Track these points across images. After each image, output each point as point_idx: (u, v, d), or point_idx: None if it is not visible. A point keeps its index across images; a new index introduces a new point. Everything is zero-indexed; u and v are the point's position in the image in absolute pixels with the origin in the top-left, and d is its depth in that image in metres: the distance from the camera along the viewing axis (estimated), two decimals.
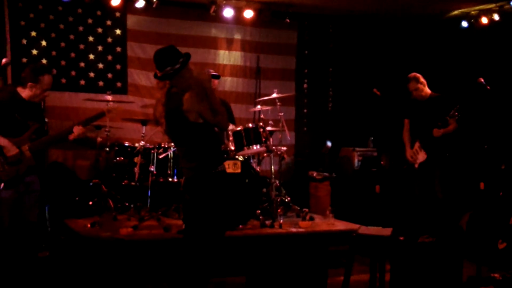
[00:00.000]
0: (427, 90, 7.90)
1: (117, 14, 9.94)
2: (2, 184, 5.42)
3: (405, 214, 8.08)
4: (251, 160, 8.35)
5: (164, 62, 4.72)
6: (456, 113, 7.33)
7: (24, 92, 5.63)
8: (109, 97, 8.26)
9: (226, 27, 10.74)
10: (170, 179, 8.18)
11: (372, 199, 8.90)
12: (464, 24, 10.37)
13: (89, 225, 7.22)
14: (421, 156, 7.82)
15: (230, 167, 6.99)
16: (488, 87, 7.43)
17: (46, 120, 6.43)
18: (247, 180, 7.48)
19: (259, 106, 9.05)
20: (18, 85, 5.68)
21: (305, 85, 11.43)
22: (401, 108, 8.31)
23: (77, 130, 5.82)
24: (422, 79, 7.87)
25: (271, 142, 8.23)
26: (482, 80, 7.52)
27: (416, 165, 7.86)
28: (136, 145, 8.29)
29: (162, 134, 5.35)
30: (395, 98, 8.53)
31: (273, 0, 10.00)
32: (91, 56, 9.79)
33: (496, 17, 9.83)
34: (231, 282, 6.32)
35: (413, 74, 7.92)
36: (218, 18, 10.29)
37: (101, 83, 9.80)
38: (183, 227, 7.03)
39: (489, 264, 6.25)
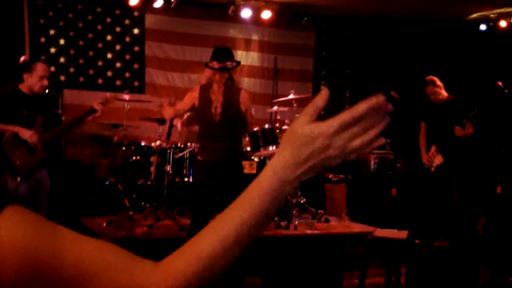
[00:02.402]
0: (444, 93, 7.86)
1: (136, 13, 9.98)
2: (19, 178, 5.46)
3: (421, 217, 8.05)
4: (267, 161, 8.35)
5: (225, 56, 5.62)
6: (474, 119, 7.30)
7: (24, 86, 5.68)
8: (127, 96, 8.29)
9: (244, 28, 10.75)
10: (186, 179, 8.20)
11: (388, 202, 8.87)
12: (483, 27, 10.34)
13: (105, 224, 7.25)
14: (438, 160, 7.78)
15: (246, 167, 7.00)
16: (506, 91, 7.39)
17: (59, 112, 6.44)
18: None
19: (276, 107, 9.05)
20: (19, 82, 5.74)
21: (322, 87, 11.40)
22: (418, 111, 8.28)
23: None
24: (438, 82, 7.84)
25: None
26: (501, 83, 7.47)
27: (433, 169, 7.83)
28: (153, 144, 8.32)
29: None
30: (413, 101, 8.50)
31: (291, 1, 10.01)
32: (109, 55, 9.85)
33: None
34: (246, 282, 6.33)
35: (430, 77, 7.89)
36: (236, 19, 10.31)
37: (118, 82, 9.85)
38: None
39: (506, 270, 6.21)
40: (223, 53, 5.69)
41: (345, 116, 1.12)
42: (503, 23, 9.97)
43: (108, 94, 6.83)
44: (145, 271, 1.10)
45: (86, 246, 1.06)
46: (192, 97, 5.75)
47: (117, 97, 7.38)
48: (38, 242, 1.00)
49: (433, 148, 7.83)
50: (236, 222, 1.11)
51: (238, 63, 5.85)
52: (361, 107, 1.13)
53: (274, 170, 1.13)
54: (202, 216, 5.62)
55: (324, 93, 1.16)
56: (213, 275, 1.11)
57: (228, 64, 5.60)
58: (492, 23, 10.19)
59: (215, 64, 5.60)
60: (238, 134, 5.92)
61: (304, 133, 1.11)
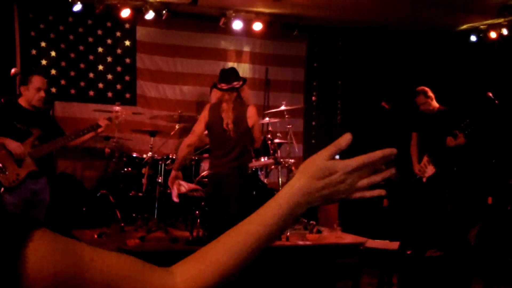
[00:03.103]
0: (435, 104, 7.91)
1: (127, 25, 9.98)
2: (2, 189, 5.44)
3: (413, 228, 8.06)
4: (259, 172, 8.35)
5: (232, 77, 6.18)
6: (466, 129, 7.33)
7: (23, 100, 5.69)
8: (118, 108, 8.28)
9: (236, 39, 10.76)
10: None
11: (380, 213, 8.87)
12: (473, 38, 10.38)
13: (96, 236, 7.23)
14: (430, 170, 7.80)
15: None
16: (497, 101, 7.42)
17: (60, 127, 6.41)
18: (254, 192, 7.49)
19: (267, 118, 9.06)
20: (18, 96, 5.76)
21: (314, 98, 11.43)
22: (409, 121, 8.31)
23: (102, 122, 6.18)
24: (430, 93, 7.88)
25: (279, 154, 8.24)
26: (491, 94, 7.51)
27: (424, 179, 7.85)
28: (144, 156, 8.31)
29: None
30: (404, 111, 8.52)
31: (282, 13, 10.02)
32: (100, 67, 9.84)
33: (504, 31, 9.83)
34: None
35: (421, 88, 7.94)
36: (227, 30, 10.31)
37: (110, 94, 9.84)
38: (191, 238, 7.09)
39: (498, 280, 6.22)
40: (230, 74, 6.27)
41: (362, 159, 1.30)
42: (493, 34, 10.01)
43: (117, 108, 6.79)
44: (162, 279, 1.20)
45: (107, 261, 1.14)
46: (203, 120, 6.32)
47: (126, 114, 7.27)
48: (66, 266, 1.06)
49: (425, 159, 7.85)
50: (252, 235, 1.26)
51: (245, 80, 6.35)
52: (377, 155, 1.31)
53: (292, 192, 1.28)
54: (215, 227, 6.28)
55: (347, 137, 1.33)
56: (224, 283, 1.23)
57: (235, 84, 6.16)
58: (482, 34, 10.23)
59: (224, 86, 6.20)
60: (247, 149, 6.39)
61: (324, 166, 1.28)
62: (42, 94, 5.78)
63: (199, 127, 6.39)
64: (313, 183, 1.28)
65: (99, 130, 6.19)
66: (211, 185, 6.43)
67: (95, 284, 1.09)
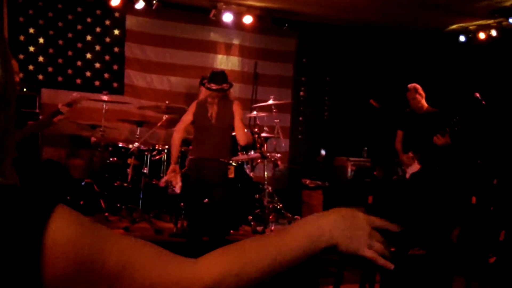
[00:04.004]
0: (424, 103, 7.93)
1: (117, 14, 9.94)
2: None
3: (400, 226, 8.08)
4: (245, 166, 8.36)
5: (223, 80, 6.50)
6: (455, 126, 7.36)
7: None
8: (105, 97, 8.25)
9: (225, 32, 10.74)
10: None
11: (365, 210, 8.90)
12: (462, 38, 10.42)
13: None
14: (414, 167, 7.84)
15: None
16: (484, 102, 7.46)
17: (36, 111, 6.44)
18: (239, 185, 7.49)
19: (255, 112, 9.06)
20: None
21: (302, 93, 11.44)
22: (395, 119, 8.34)
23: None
24: (421, 91, 7.91)
25: (265, 149, 8.24)
26: (478, 95, 7.54)
27: (408, 175, 7.87)
28: (130, 146, 8.28)
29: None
30: (391, 109, 8.55)
31: (273, 7, 10.02)
32: (89, 55, 9.79)
33: (493, 33, 9.88)
34: None
35: (413, 84, 7.98)
36: (217, 23, 10.29)
37: (97, 83, 9.79)
38: (175, 230, 7.09)
39: (479, 279, 6.26)
40: (220, 77, 6.55)
41: (385, 223, 1.43)
42: (482, 35, 10.06)
43: (74, 94, 6.80)
44: (180, 267, 1.21)
45: (124, 243, 1.16)
46: (190, 111, 6.59)
47: (85, 98, 7.36)
48: (85, 239, 1.10)
49: (410, 154, 7.88)
50: (275, 250, 1.30)
51: (231, 85, 6.68)
52: (395, 227, 1.43)
53: (323, 222, 1.36)
54: (192, 205, 6.57)
55: (396, 227, 1.45)
56: (243, 285, 1.26)
57: (225, 86, 6.47)
58: (471, 34, 10.28)
59: (213, 86, 6.45)
60: (228, 141, 6.54)
61: (353, 212, 1.41)
62: (16, 79, 5.74)
63: (187, 118, 6.57)
64: (340, 220, 1.37)
65: (62, 117, 6.20)
66: (191, 169, 6.49)
67: (110, 264, 1.12)
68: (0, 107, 1.10)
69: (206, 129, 6.41)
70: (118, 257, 1.13)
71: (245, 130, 6.67)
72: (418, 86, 7.94)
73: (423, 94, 7.93)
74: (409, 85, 8.00)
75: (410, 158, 7.88)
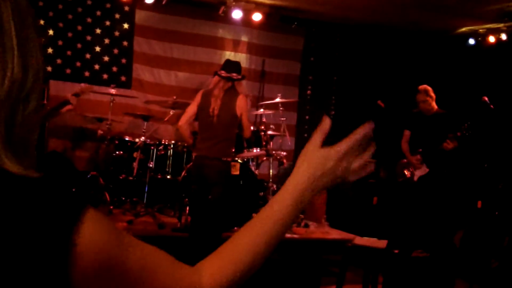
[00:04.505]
0: (434, 105, 7.89)
1: (126, 8, 9.95)
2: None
3: (401, 227, 8.08)
4: (250, 163, 8.35)
5: (234, 68, 6.40)
6: (466, 131, 7.32)
7: None
8: (113, 91, 8.26)
9: (234, 29, 10.73)
10: (168, 176, 8.19)
11: (369, 210, 8.90)
12: (471, 41, 10.39)
13: None
14: (422, 170, 7.82)
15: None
16: (492, 106, 7.44)
17: (44, 102, 6.46)
18: (242, 182, 7.50)
19: (261, 110, 9.05)
20: None
21: (308, 92, 11.43)
22: (402, 119, 8.31)
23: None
24: (432, 93, 7.85)
25: (271, 146, 8.23)
26: (486, 98, 7.52)
27: (416, 178, 7.86)
28: (137, 140, 8.29)
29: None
30: (397, 110, 8.53)
31: (282, 5, 10.01)
32: (97, 48, 9.80)
33: (503, 36, 9.85)
34: None
35: (424, 86, 7.92)
36: (226, 19, 10.29)
37: (105, 76, 9.80)
38: (178, 225, 7.10)
39: (481, 283, 6.26)
40: (232, 65, 6.48)
41: (349, 141, 1.42)
42: (491, 39, 10.03)
43: (82, 85, 6.81)
44: (189, 275, 1.26)
45: (145, 250, 1.21)
46: (195, 101, 6.48)
47: (93, 88, 7.39)
48: (112, 244, 1.14)
49: (418, 157, 7.86)
50: (264, 233, 1.33)
51: (244, 77, 6.55)
52: (360, 133, 1.42)
53: (295, 183, 1.38)
54: (197, 210, 6.45)
55: (327, 121, 1.45)
56: (246, 277, 1.33)
57: (234, 75, 6.33)
58: (480, 37, 10.25)
59: (223, 73, 6.36)
60: (231, 136, 6.42)
61: (320, 154, 1.40)
62: None
63: (192, 109, 6.52)
64: (313, 171, 1.38)
65: (70, 107, 6.23)
66: (194, 167, 6.46)
67: (132, 269, 1.16)
68: (18, 104, 1.10)
69: (207, 124, 6.31)
70: (141, 263, 1.18)
71: (249, 125, 6.58)
72: (429, 88, 7.90)
73: (434, 96, 7.89)
74: (420, 87, 7.95)
75: (419, 161, 7.87)
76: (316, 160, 1.39)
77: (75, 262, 1.07)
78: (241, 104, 6.31)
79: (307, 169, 1.38)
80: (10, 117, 1.09)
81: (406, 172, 8.00)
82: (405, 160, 8.16)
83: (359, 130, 1.43)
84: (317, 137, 1.43)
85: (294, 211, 1.37)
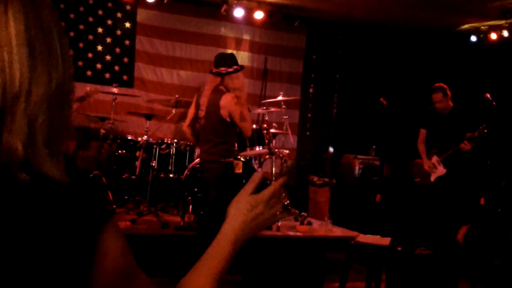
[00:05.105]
0: (450, 103, 7.78)
1: (128, 7, 9.96)
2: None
3: (406, 225, 8.07)
4: (253, 161, 8.35)
5: (221, 62, 5.91)
6: (485, 130, 7.27)
7: None
8: (115, 90, 8.26)
9: (236, 27, 10.74)
10: (171, 175, 8.19)
11: (372, 208, 8.89)
12: (473, 38, 10.38)
13: None
14: (440, 171, 7.74)
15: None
16: (494, 103, 7.42)
17: None
18: (245, 181, 7.50)
19: (264, 108, 9.03)
20: None
21: (311, 90, 11.43)
22: (416, 117, 8.22)
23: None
24: (448, 92, 7.73)
25: (273, 145, 8.22)
26: (489, 95, 7.49)
27: (433, 179, 7.79)
28: (139, 139, 8.29)
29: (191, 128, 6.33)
30: (407, 107, 8.49)
31: (284, 3, 10.01)
32: (99, 48, 9.81)
33: (505, 33, 9.83)
34: (227, 279, 6.31)
35: (440, 84, 7.73)
36: (228, 18, 10.30)
37: (107, 75, 9.81)
38: (182, 224, 7.10)
39: (485, 281, 6.25)
40: (221, 59, 6.03)
41: (270, 190, 1.61)
42: (493, 36, 10.02)
43: (88, 88, 6.80)
44: (142, 284, 1.36)
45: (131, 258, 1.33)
46: (193, 102, 6.29)
47: (98, 91, 7.38)
48: (128, 253, 1.29)
49: (434, 158, 7.78)
50: (212, 269, 1.52)
51: (237, 70, 5.98)
52: (279, 183, 1.64)
53: (233, 226, 1.57)
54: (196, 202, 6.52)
55: (258, 174, 1.66)
56: None
57: (222, 69, 5.89)
58: (482, 35, 10.24)
59: (213, 69, 6.05)
60: (227, 139, 6.06)
61: (251, 200, 1.59)
62: None
63: (190, 111, 6.37)
64: (246, 216, 1.57)
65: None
66: (199, 171, 6.43)
67: (142, 280, 1.35)
68: (58, 107, 1.14)
69: (201, 126, 6.08)
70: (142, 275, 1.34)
71: (245, 124, 6.06)
72: (445, 86, 7.76)
73: (450, 95, 7.77)
74: (436, 85, 7.72)
75: (436, 162, 7.80)
76: (249, 205, 1.58)
77: (97, 267, 1.19)
78: (225, 104, 5.83)
79: (242, 214, 1.57)
80: (51, 120, 1.12)
81: (420, 172, 7.91)
82: (421, 161, 8.03)
83: (278, 181, 1.64)
84: (249, 186, 1.61)
85: (232, 251, 1.55)
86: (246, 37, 10.90)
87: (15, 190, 1.07)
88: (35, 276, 1.07)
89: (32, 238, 1.07)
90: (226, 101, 5.81)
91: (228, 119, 5.84)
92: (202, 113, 5.94)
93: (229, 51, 10.54)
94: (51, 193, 1.13)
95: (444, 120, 7.75)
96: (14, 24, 1.09)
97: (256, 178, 1.64)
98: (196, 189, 6.98)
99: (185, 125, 6.48)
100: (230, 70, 5.91)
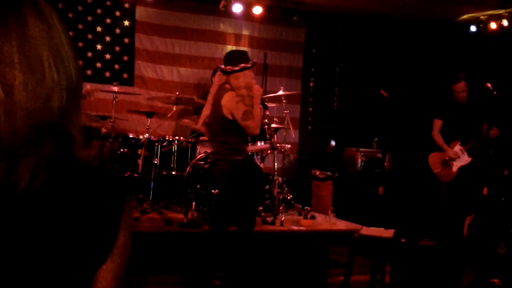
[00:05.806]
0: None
1: (126, 5, 9.94)
2: None
3: (410, 216, 8.06)
4: (255, 157, 8.35)
5: (229, 60, 5.76)
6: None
7: None
8: (115, 88, 8.26)
9: (235, 23, 10.73)
10: (173, 172, 8.19)
11: (375, 201, 8.90)
12: (473, 28, 10.37)
13: None
14: (464, 160, 7.69)
15: None
16: (495, 93, 7.40)
17: None
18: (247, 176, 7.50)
19: (264, 103, 9.03)
20: None
21: (311, 84, 11.43)
22: (429, 108, 8.13)
23: None
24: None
25: (275, 139, 8.23)
26: (489, 85, 7.47)
27: (456, 168, 7.73)
28: (141, 137, 8.29)
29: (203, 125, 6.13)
30: (409, 98, 8.44)
31: None
32: (99, 47, 9.80)
33: (505, 22, 9.82)
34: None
35: (463, 74, 7.65)
36: (227, 13, 10.28)
37: (107, 74, 9.80)
38: (185, 220, 7.11)
39: (489, 270, 6.25)
40: (229, 57, 5.87)
41: None
42: (493, 25, 10.00)
43: (88, 87, 6.79)
44: None
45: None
46: (206, 100, 6.10)
47: (98, 90, 7.38)
48: (131, 228, 1.37)
49: (458, 147, 7.71)
50: None
51: (244, 68, 5.78)
52: None
53: None
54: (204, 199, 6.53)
55: None
56: None
57: (228, 68, 5.74)
58: (482, 24, 10.22)
59: (221, 67, 5.89)
60: (234, 139, 5.81)
61: None
62: None
63: (204, 109, 6.11)
64: None
65: None
66: (209, 168, 6.41)
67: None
68: (72, 106, 1.31)
69: (207, 124, 6.01)
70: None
71: (247, 123, 5.76)
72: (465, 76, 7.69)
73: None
74: (460, 75, 7.66)
75: (460, 151, 7.74)
76: None
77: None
78: (226, 102, 5.67)
79: None
80: (77, 109, 1.32)
81: (453, 155, 7.81)
82: (439, 152, 7.93)
83: None
84: None
85: None
86: (245, 32, 10.89)
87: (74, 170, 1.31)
88: (77, 241, 1.23)
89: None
90: (227, 99, 5.67)
91: (230, 118, 5.69)
92: (208, 112, 5.87)
93: (229, 47, 10.57)
94: (81, 176, 1.33)
95: (464, 109, 7.66)
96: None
97: None
98: (198, 186, 6.97)
99: (198, 125, 6.38)
100: (236, 68, 5.76)
